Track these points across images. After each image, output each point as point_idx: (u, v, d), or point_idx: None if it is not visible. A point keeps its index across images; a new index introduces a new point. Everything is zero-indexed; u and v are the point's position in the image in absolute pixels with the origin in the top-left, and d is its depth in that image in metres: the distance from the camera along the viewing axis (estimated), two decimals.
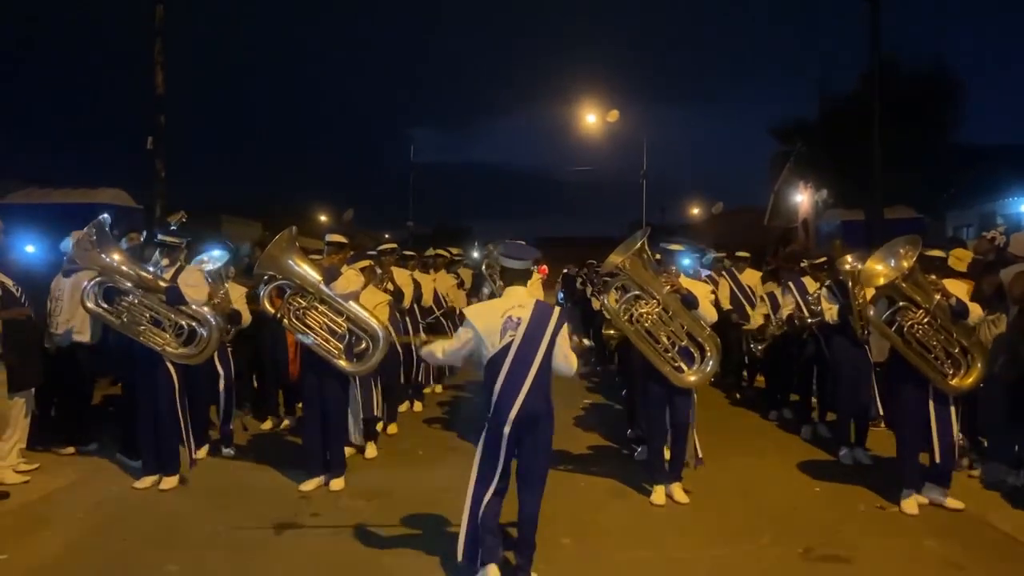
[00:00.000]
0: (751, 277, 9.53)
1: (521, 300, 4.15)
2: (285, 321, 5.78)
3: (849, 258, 6.14)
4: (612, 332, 6.96)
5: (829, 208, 24.40)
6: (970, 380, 5.26)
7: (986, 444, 6.27)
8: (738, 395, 9.65)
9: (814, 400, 7.98)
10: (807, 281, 7.85)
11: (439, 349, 4.39)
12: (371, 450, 7.04)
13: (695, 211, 39.10)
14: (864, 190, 16.81)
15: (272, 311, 5.85)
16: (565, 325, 4.18)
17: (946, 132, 22.78)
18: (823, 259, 7.99)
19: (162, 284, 5.86)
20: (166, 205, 13.58)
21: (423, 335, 6.09)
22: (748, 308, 8.99)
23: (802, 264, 8.80)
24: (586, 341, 4.77)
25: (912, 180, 19.82)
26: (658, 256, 5.74)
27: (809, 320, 7.59)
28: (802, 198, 30.09)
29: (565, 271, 16.80)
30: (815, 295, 7.57)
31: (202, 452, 6.77)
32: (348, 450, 6.94)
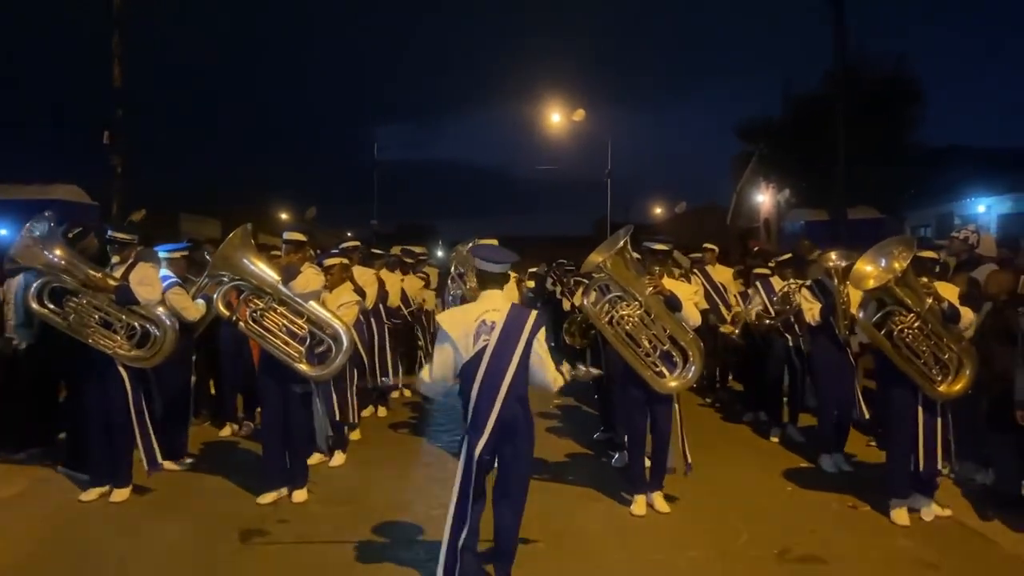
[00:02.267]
0: (722, 274, 9.39)
1: (496, 304, 3.98)
2: (242, 324, 5.46)
3: (833, 255, 6.00)
4: (567, 326, 6.81)
5: (792, 208, 24.61)
6: (959, 387, 5.12)
7: (953, 443, 6.20)
8: (708, 398, 9.51)
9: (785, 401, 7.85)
10: (774, 281, 7.78)
11: (426, 375, 4.10)
12: (338, 458, 6.75)
13: (659, 210, 39.26)
14: (827, 190, 16.93)
15: (227, 314, 5.52)
16: (542, 330, 4.01)
17: (906, 133, 23.12)
18: (788, 255, 7.95)
19: (112, 283, 5.52)
20: (123, 202, 13.15)
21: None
22: (723, 308, 8.85)
23: (770, 264, 8.76)
24: (594, 371, 4.62)
25: (873, 180, 20.06)
26: (638, 255, 5.53)
27: (771, 320, 7.52)
28: (763, 198, 30.38)
29: (533, 270, 16.54)
30: (780, 293, 7.50)
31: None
32: (317, 456, 6.68)
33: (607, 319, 5.24)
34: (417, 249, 11.56)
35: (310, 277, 5.63)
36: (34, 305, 5.46)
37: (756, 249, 12.31)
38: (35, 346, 6.44)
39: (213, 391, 8.15)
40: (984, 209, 19.66)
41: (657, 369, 5.24)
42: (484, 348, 3.88)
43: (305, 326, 5.49)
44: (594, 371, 4.57)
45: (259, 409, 7.41)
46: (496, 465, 4.02)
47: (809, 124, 21.14)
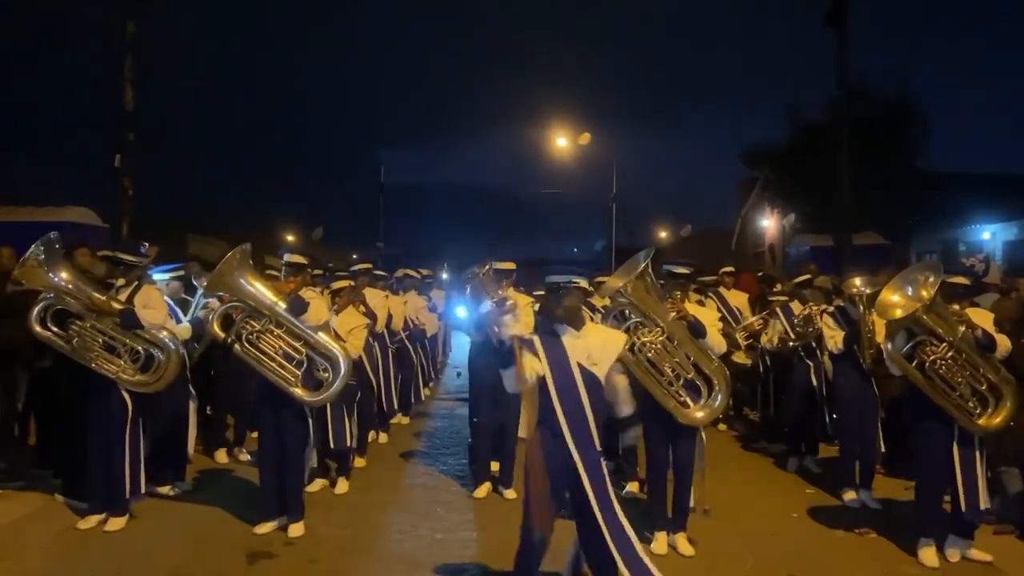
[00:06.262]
0: (738, 298, 9.21)
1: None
2: (237, 346, 5.29)
3: (857, 281, 5.80)
4: None
5: (797, 233, 24.54)
6: (998, 419, 4.85)
7: None
8: (722, 426, 9.29)
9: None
10: (793, 305, 7.65)
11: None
12: (342, 485, 6.56)
13: (663, 234, 39.15)
14: (832, 216, 16.84)
15: (222, 336, 5.36)
16: None
17: (911, 159, 23.09)
18: (806, 276, 7.82)
19: (116, 306, 5.38)
20: (133, 224, 13.14)
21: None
22: (738, 334, 8.65)
23: (775, 288, 8.63)
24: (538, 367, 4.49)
25: (878, 206, 19.98)
26: (661, 281, 5.35)
27: (793, 342, 7.38)
28: (768, 223, 30.31)
29: (539, 293, 16.37)
30: (800, 317, 7.35)
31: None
32: (320, 482, 6.51)
33: (628, 346, 4.99)
34: (423, 272, 11.46)
35: (320, 309, 5.51)
36: (37, 328, 5.34)
37: (760, 275, 12.18)
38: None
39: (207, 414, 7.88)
40: (989, 236, 19.54)
41: (681, 399, 4.99)
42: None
43: (303, 349, 5.34)
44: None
45: (252, 434, 7.20)
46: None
47: (814, 150, 21.10)
